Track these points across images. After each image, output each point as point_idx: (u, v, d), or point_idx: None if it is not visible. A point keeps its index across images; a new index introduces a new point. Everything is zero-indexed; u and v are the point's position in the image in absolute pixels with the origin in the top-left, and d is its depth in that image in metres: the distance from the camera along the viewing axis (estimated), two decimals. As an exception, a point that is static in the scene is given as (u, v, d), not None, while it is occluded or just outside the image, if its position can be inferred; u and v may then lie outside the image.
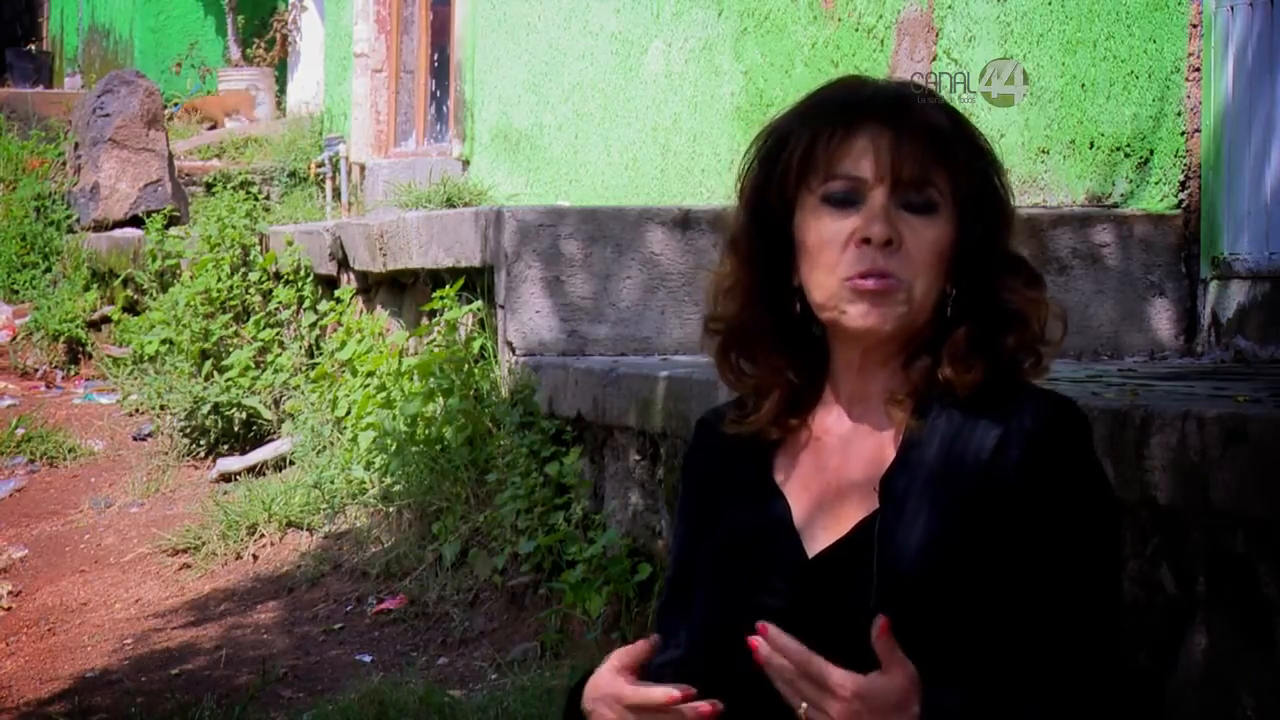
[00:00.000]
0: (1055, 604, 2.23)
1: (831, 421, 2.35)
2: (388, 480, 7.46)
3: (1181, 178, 6.56)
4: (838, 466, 2.33)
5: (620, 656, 2.28)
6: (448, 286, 7.26)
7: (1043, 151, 7.24)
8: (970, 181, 2.30)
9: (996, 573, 2.23)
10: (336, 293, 8.89)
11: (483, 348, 7.04)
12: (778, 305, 2.35)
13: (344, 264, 8.86)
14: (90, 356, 11.72)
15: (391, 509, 7.40)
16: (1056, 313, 2.35)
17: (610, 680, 2.27)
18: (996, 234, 2.32)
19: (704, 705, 2.22)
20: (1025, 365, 2.31)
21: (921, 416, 2.29)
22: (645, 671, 2.31)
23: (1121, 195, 6.84)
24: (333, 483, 7.97)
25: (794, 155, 2.31)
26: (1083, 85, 7.05)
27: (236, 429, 9.42)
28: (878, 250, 2.26)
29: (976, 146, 2.33)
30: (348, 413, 8.15)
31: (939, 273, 2.28)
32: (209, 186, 13.61)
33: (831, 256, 2.28)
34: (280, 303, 9.45)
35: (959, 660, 2.22)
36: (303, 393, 8.95)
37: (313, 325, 9.17)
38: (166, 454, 9.53)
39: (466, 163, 12.08)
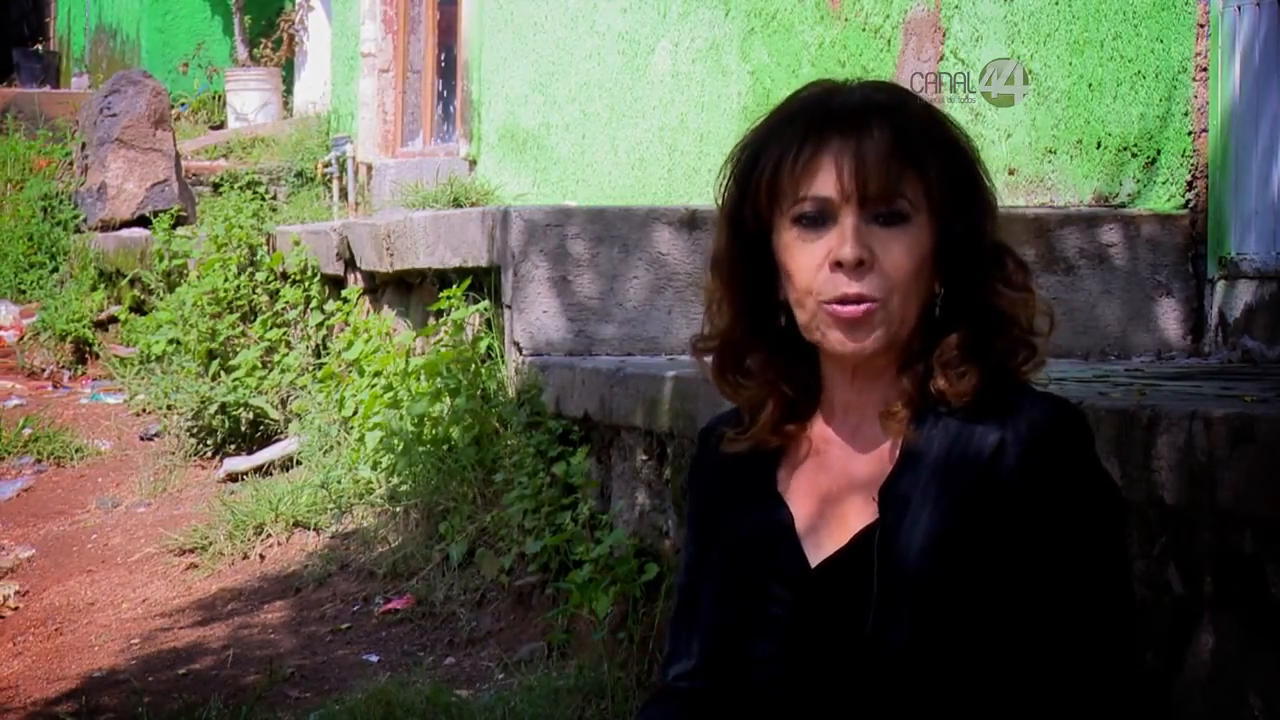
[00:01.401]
0: (1060, 607, 2.22)
1: (830, 432, 2.34)
2: (395, 480, 7.46)
3: (1188, 177, 6.55)
4: (838, 476, 2.32)
5: None
6: (455, 286, 7.26)
7: (1050, 151, 7.23)
8: (945, 181, 2.27)
9: (999, 578, 2.22)
10: (343, 293, 8.89)
11: (490, 348, 7.04)
12: (765, 320, 2.33)
13: (351, 264, 8.86)
14: (97, 356, 11.73)
15: (398, 509, 7.40)
16: (1043, 309, 2.31)
17: None
18: (979, 228, 2.28)
19: None
20: (1019, 363, 2.30)
21: (919, 425, 2.27)
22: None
23: (1128, 195, 6.84)
24: (339, 482, 7.97)
25: (763, 178, 2.28)
26: (1090, 85, 7.05)
27: (243, 429, 9.42)
28: (851, 272, 2.23)
29: (950, 144, 2.29)
30: (355, 412, 8.15)
31: (921, 281, 2.26)
32: (216, 186, 13.64)
33: (807, 279, 2.25)
34: (287, 303, 9.45)
35: (961, 668, 2.22)
36: (309, 392, 8.96)
37: (320, 325, 9.18)
38: (173, 454, 9.54)
39: (473, 162, 12.09)
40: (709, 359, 2.38)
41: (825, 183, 2.25)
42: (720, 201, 2.35)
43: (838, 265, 2.23)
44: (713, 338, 2.37)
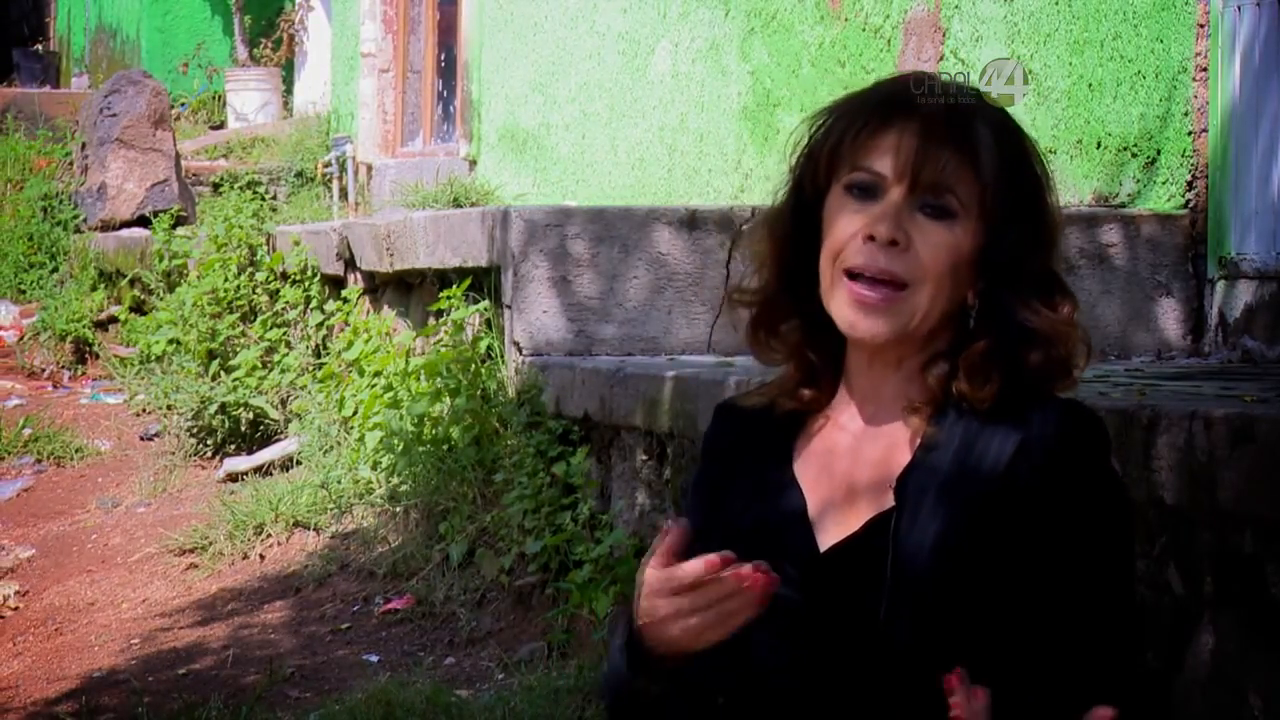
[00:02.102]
0: (1070, 608, 2.22)
1: (847, 418, 2.35)
2: (394, 480, 7.46)
3: (1188, 177, 6.55)
4: (853, 463, 2.33)
5: (658, 553, 2.16)
6: (455, 286, 7.26)
7: (1050, 151, 7.24)
8: (1002, 195, 2.27)
9: (1011, 576, 2.22)
10: (343, 293, 8.89)
11: (489, 348, 7.04)
12: (804, 287, 2.34)
13: (351, 264, 8.86)
14: (97, 356, 11.73)
15: (398, 509, 7.40)
16: (1082, 338, 2.30)
17: (656, 573, 2.17)
18: (1026, 251, 2.28)
19: (746, 569, 2.11)
20: (1050, 385, 2.29)
21: (939, 420, 2.28)
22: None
23: (1128, 195, 6.84)
24: (339, 483, 7.97)
25: (828, 143, 2.32)
26: (1090, 85, 7.05)
27: (243, 429, 9.42)
28: (881, 249, 2.25)
29: (1019, 162, 2.30)
30: (354, 413, 8.15)
31: (953, 281, 2.26)
32: (216, 186, 13.64)
33: (839, 242, 2.28)
34: (287, 303, 9.45)
35: (969, 662, 2.22)
36: (309, 393, 8.96)
37: (320, 325, 9.18)
38: (173, 454, 9.54)
39: (473, 163, 12.08)
40: (742, 312, 2.39)
41: (882, 158, 2.27)
42: (792, 160, 2.37)
43: (870, 239, 2.25)
44: (749, 293, 2.38)
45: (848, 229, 2.27)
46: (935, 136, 2.27)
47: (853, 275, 2.26)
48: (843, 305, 2.27)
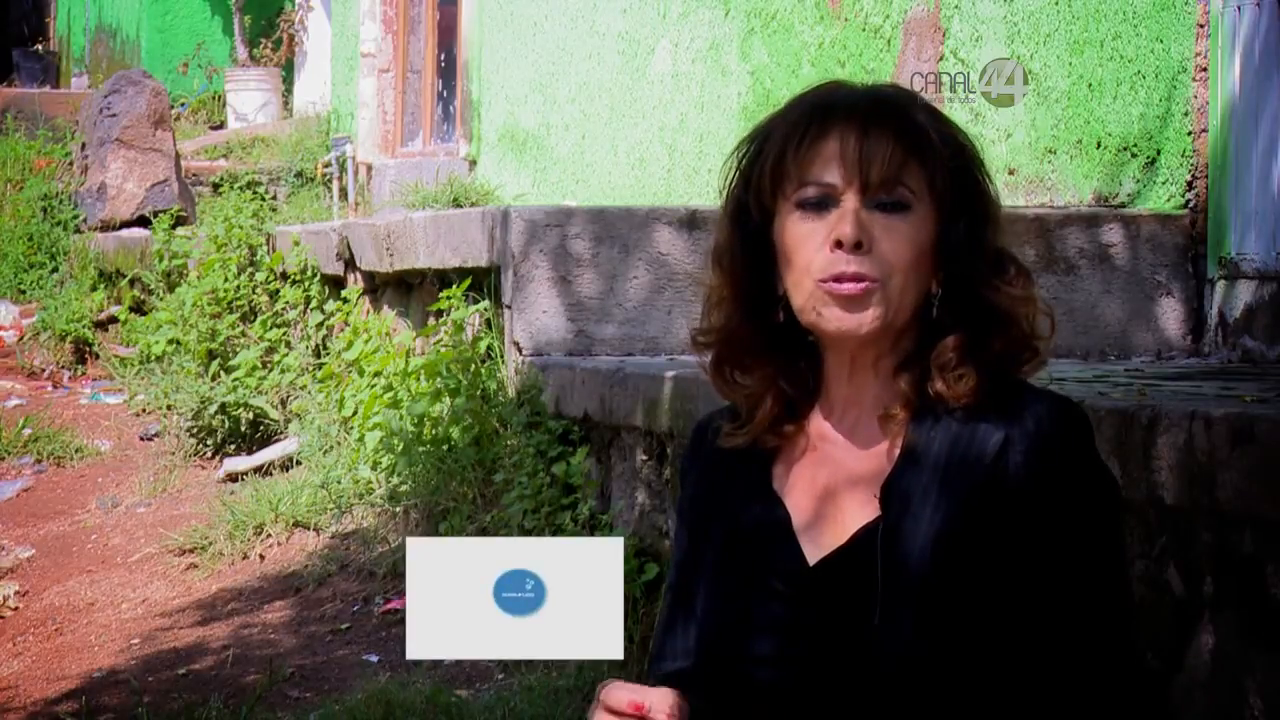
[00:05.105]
0: (1066, 606, 2.22)
1: (828, 429, 2.34)
2: (394, 480, 7.46)
3: (1188, 177, 6.55)
4: (836, 474, 2.32)
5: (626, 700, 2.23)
6: (455, 286, 7.26)
7: (1050, 151, 7.23)
8: (947, 178, 2.28)
9: (1002, 577, 2.22)
10: (343, 293, 8.89)
11: (489, 348, 7.04)
12: (764, 314, 2.34)
13: (351, 264, 8.87)
14: (97, 356, 11.73)
15: (398, 509, 7.40)
16: (1044, 310, 2.32)
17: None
18: (980, 231, 2.29)
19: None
20: (1019, 364, 2.30)
21: (918, 424, 2.27)
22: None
23: (1128, 195, 6.84)
24: (339, 483, 7.97)
25: (767, 164, 2.31)
26: (1090, 85, 7.05)
27: (243, 429, 9.42)
28: (849, 253, 2.24)
29: (954, 144, 2.31)
30: (354, 413, 8.15)
31: (919, 271, 2.27)
32: (216, 186, 13.64)
33: (806, 261, 2.27)
34: (287, 303, 9.45)
35: (965, 665, 2.22)
36: (309, 393, 8.96)
37: (319, 325, 9.18)
38: (173, 454, 9.54)
39: (473, 163, 12.08)
40: (707, 354, 2.38)
41: (829, 168, 2.27)
42: (724, 194, 2.36)
43: (837, 245, 2.25)
44: (713, 331, 2.37)
45: (811, 243, 2.27)
46: (876, 133, 2.27)
47: (825, 281, 2.26)
48: (825, 307, 2.26)
